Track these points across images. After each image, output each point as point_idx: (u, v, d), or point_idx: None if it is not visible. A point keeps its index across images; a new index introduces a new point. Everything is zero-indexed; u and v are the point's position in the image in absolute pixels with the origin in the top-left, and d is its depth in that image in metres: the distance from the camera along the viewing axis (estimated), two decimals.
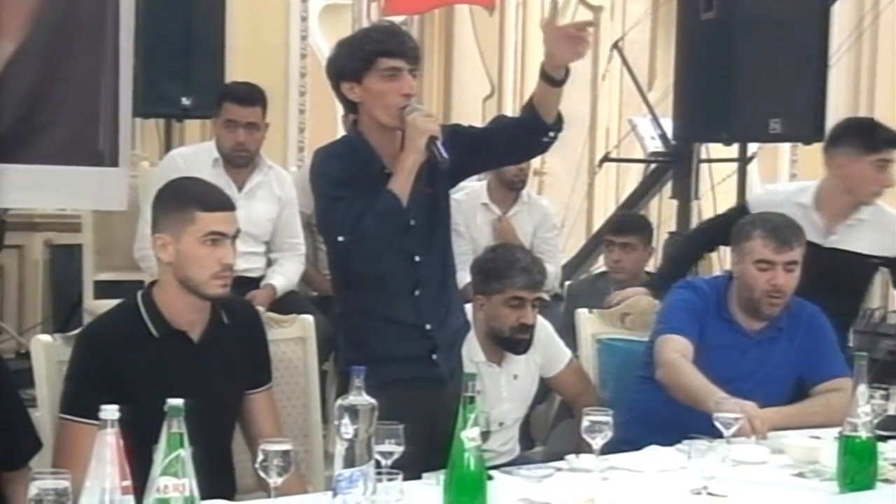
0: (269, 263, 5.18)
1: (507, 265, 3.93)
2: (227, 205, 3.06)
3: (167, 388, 2.72)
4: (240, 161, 5.08)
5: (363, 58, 3.33)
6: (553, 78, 3.34)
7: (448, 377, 3.40)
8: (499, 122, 3.65)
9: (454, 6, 8.68)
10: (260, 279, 5.08)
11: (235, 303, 3.25)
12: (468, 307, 3.91)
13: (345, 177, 3.34)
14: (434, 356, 3.43)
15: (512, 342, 3.97)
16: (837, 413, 3.15)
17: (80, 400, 2.87)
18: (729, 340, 3.82)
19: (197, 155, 5.17)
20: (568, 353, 4.21)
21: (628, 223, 5.66)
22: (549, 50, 3.34)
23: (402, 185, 3.29)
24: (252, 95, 5.12)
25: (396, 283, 3.42)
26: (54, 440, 2.99)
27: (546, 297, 5.35)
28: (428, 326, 3.43)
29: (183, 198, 3.04)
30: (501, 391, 4.01)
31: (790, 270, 3.77)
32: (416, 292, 3.42)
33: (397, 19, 7.73)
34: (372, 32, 3.46)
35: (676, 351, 3.74)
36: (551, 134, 3.45)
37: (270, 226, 5.15)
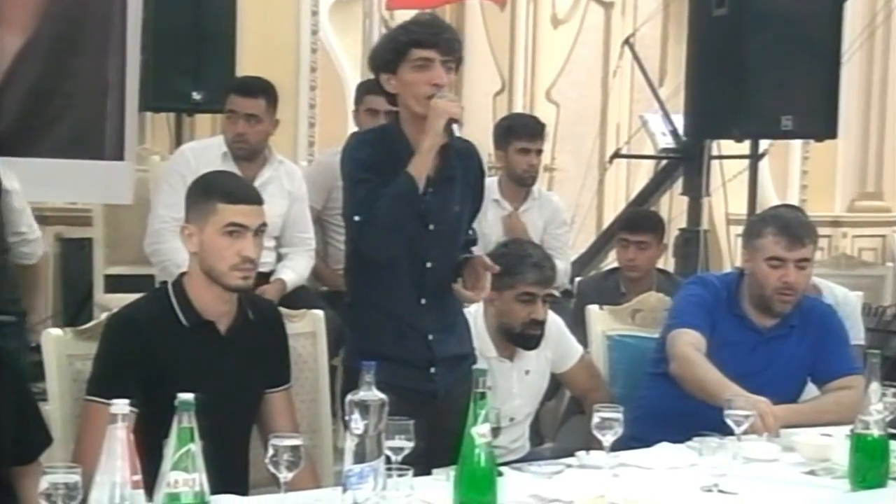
0: (280, 258, 5.17)
1: (518, 261, 3.91)
2: (251, 198, 3.09)
3: (195, 377, 2.76)
4: (240, 153, 5.03)
5: (397, 49, 3.35)
6: None
7: (444, 394, 3.36)
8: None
9: (464, 3, 8.66)
10: (270, 274, 5.07)
11: (260, 301, 3.32)
12: (475, 306, 3.89)
13: (371, 161, 3.34)
14: (432, 369, 3.41)
15: (523, 338, 3.96)
16: (849, 410, 3.15)
17: (111, 382, 2.86)
18: (739, 337, 3.81)
19: (206, 149, 5.16)
20: (579, 348, 4.20)
21: (643, 221, 5.63)
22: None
23: (418, 167, 3.28)
24: (253, 87, 5.10)
25: (404, 288, 3.40)
26: (79, 424, 2.99)
27: (556, 293, 5.35)
28: (430, 337, 3.41)
29: (209, 189, 3.08)
30: (513, 387, 4.00)
31: (802, 268, 3.76)
32: (423, 301, 3.41)
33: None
34: (409, 24, 3.45)
35: (690, 344, 3.73)
36: None
37: (281, 221, 5.14)
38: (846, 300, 4.87)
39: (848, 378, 3.73)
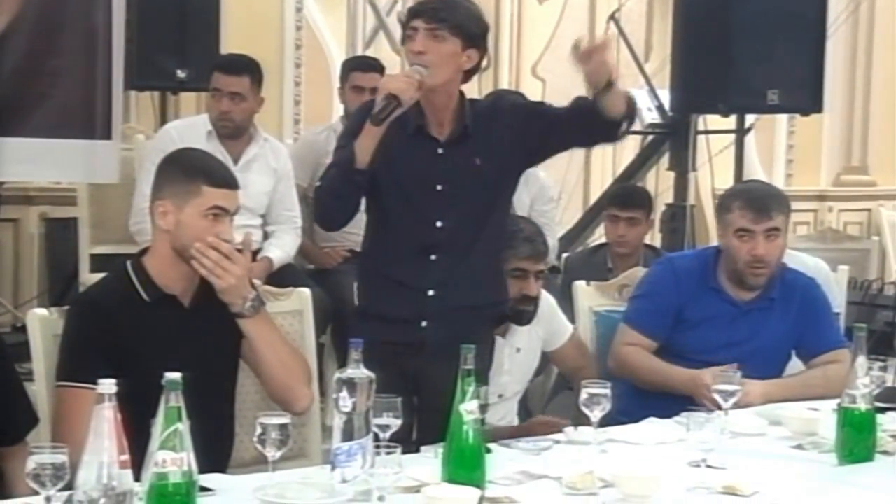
0: (266, 236, 5.16)
1: (509, 235, 3.88)
2: (232, 182, 3.10)
3: (161, 352, 2.78)
4: (224, 131, 5.04)
5: (403, 24, 3.45)
6: (600, 91, 3.34)
7: (435, 347, 3.34)
8: (578, 104, 3.50)
9: None
10: (257, 252, 5.06)
11: None
12: None
13: (355, 129, 3.36)
14: (423, 323, 3.43)
15: (515, 313, 3.92)
16: (836, 384, 3.17)
17: (79, 365, 2.88)
18: (717, 310, 3.82)
19: (191, 128, 5.15)
20: (570, 327, 4.19)
21: (633, 197, 5.63)
22: (585, 76, 3.35)
23: (360, 141, 3.31)
24: (237, 65, 5.11)
25: (410, 246, 3.43)
26: (53, 410, 2.98)
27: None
28: (431, 292, 3.42)
29: (190, 169, 3.06)
30: (503, 363, 3.98)
31: (772, 239, 3.76)
32: (433, 257, 3.42)
33: None
34: None
35: (632, 345, 3.83)
36: (623, 126, 3.44)
37: (266, 198, 5.13)
38: (817, 270, 4.83)
39: (834, 352, 3.75)
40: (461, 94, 3.48)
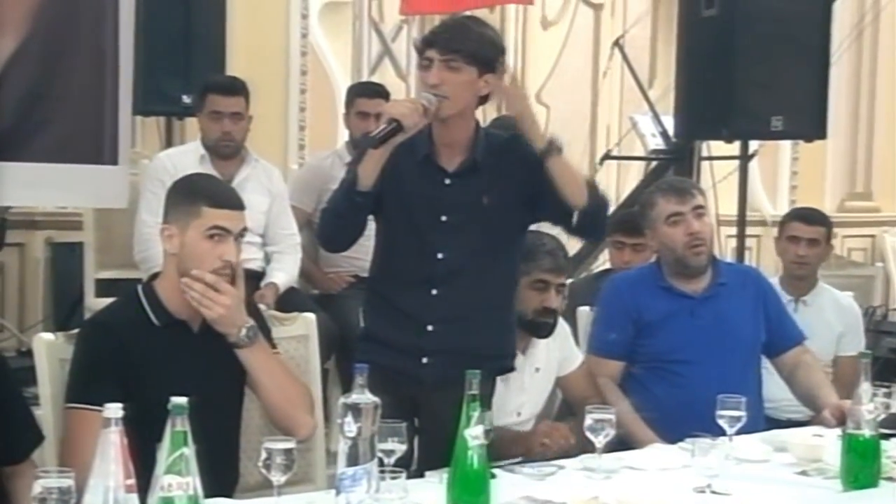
0: (266, 256, 5.19)
1: (533, 248, 3.88)
2: (234, 203, 3.09)
3: (169, 377, 2.78)
4: (226, 150, 5.13)
5: (417, 53, 3.43)
6: (541, 151, 3.33)
7: (436, 384, 3.32)
8: None
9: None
10: (261, 272, 5.08)
11: None
12: None
13: (364, 153, 3.36)
14: (424, 359, 3.41)
15: (535, 325, 3.92)
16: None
17: (89, 388, 2.89)
18: (674, 307, 3.91)
19: (184, 154, 5.22)
20: (580, 355, 4.17)
21: (639, 224, 5.62)
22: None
23: (364, 164, 3.32)
24: (235, 86, 5.22)
25: (412, 275, 3.42)
26: (63, 432, 2.98)
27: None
28: (430, 327, 3.41)
29: (192, 192, 3.08)
30: (524, 382, 3.96)
31: (700, 215, 3.91)
32: (434, 291, 3.41)
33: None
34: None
35: (603, 376, 3.92)
36: (575, 218, 3.39)
37: (264, 218, 5.18)
38: (850, 308, 4.95)
39: (799, 349, 3.94)
40: (476, 123, 3.47)
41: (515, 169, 3.41)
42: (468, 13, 5.58)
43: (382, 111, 3.36)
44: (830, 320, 4.89)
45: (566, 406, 4.56)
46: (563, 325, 4.12)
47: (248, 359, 3.09)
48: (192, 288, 3.00)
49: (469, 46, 3.34)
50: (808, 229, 5.02)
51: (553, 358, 4.08)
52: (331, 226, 3.49)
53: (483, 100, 3.42)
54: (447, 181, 3.42)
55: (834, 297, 4.97)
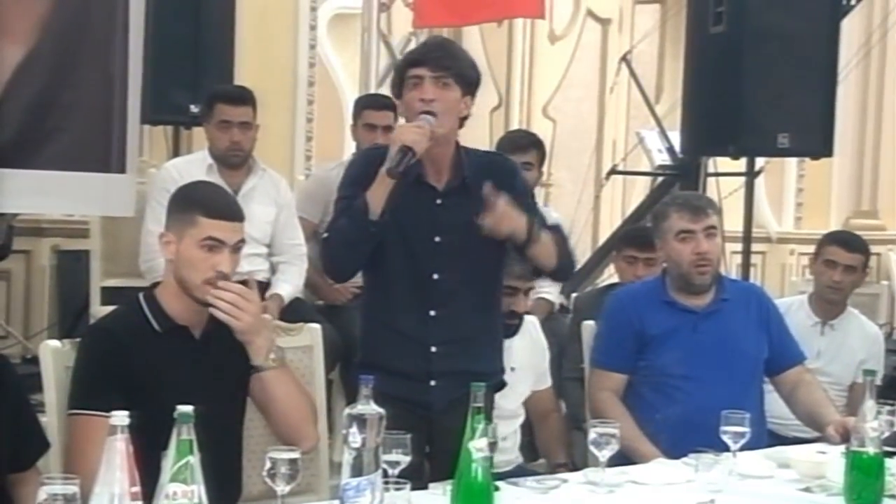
0: (272, 266, 5.19)
1: None
2: (231, 214, 3.07)
3: (171, 383, 2.78)
4: (235, 160, 5.12)
5: (399, 72, 3.44)
6: (523, 243, 3.38)
7: (444, 407, 3.34)
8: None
9: None
10: (266, 282, 5.08)
11: None
12: None
13: (360, 177, 3.37)
14: (432, 382, 3.42)
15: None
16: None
17: (91, 393, 2.89)
18: (676, 321, 3.89)
19: (191, 164, 5.22)
20: (549, 380, 4.42)
21: (652, 239, 5.63)
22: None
23: (373, 191, 3.30)
24: (243, 95, 5.22)
25: (408, 299, 3.42)
26: (66, 439, 2.98)
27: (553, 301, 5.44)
28: (433, 349, 3.42)
29: (189, 201, 3.08)
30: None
31: (711, 236, 3.88)
32: (432, 312, 3.41)
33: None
34: (413, 48, 3.53)
35: (606, 390, 3.88)
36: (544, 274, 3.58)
37: (270, 228, 5.18)
38: (876, 338, 4.96)
39: (800, 368, 3.94)
40: (456, 142, 3.48)
41: (501, 190, 3.40)
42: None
43: (393, 139, 3.33)
44: (854, 346, 4.87)
45: (570, 419, 4.59)
46: (541, 339, 4.23)
47: (272, 381, 3.08)
48: (221, 297, 2.99)
49: (458, 66, 3.39)
50: (847, 256, 4.92)
51: (529, 364, 4.24)
52: (342, 257, 3.44)
53: (461, 122, 3.45)
54: (439, 201, 3.41)
55: (860, 324, 4.96)
